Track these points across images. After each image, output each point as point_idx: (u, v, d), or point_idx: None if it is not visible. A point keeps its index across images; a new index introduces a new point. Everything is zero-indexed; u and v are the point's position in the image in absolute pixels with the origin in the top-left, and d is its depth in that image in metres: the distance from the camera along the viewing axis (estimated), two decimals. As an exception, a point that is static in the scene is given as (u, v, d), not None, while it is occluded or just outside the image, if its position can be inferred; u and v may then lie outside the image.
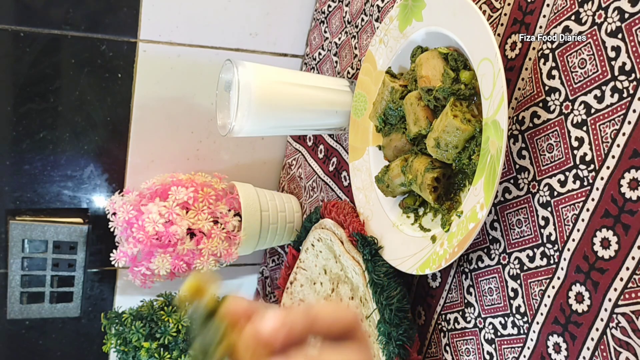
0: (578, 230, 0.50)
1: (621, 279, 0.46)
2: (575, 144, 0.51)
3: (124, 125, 0.95)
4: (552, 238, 0.53)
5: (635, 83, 0.46)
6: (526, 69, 0.56)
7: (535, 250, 0.55)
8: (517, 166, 0.57)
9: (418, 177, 0.63)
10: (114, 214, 0.87)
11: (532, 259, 0.55)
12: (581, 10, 0.51)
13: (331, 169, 0.90)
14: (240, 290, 1.14)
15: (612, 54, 0.48)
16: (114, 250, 0.86)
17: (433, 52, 0.63)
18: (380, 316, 0.66)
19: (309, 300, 0.83)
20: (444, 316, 0.67)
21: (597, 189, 0.49)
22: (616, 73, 0.48)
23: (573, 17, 0.51)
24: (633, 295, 0.46)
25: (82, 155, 0.93)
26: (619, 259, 0.47)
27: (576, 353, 0.50)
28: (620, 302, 0.47)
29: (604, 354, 0.48)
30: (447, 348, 0.66)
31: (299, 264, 0.84)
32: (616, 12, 0.48)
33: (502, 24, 0.59)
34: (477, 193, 0.55)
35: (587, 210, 0.50)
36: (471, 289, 0.62)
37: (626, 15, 0.47)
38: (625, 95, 0.47)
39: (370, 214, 0.73)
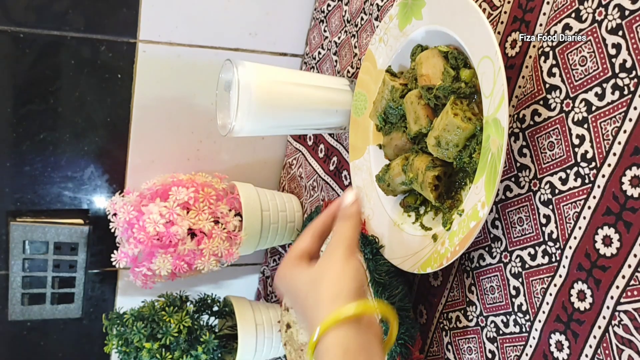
0: (580, 228, 0.50)
1: (623, 277, 0.46)
2: (576, 141, 0.51)
3: (124, 126, 0.95)
4: (554, 236, 0.53)
5: (636, 80, 0.46)
6: (526, 66, 0.56)
7: (536, 248, 0.55)
8: (518, 164, 0.56)
9: (419, 175, 0.63)
10: (115, 214, 0.87)
11: (533, 257, 0.55)
12: (581, 7, 0.51)
13: (332, 168, 0.90)
14: (241, 290, 1.14)
15: (612, 52, 0.48)
16: (114, 251, 0.86)
17: (433, 50, 0.63)
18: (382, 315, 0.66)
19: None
20: (445, 315, 0.67)
21: (599, 186, 0.49)
22: (617, 70, 0.47)
23: (573, 15, 0.51)
24: (635, 292, 0.46)
25: (82, 156, 0.93)
26: (621, 257, 0.47)
27: (578, 351, 0.50)
28: (622, 300, 0.47)
29: (607, 351, 0.48)
30: (449, 347, 0.66)
31: (300, 263, 0.83)
32: (616, 9, 0.47)
33: (502, 22, 0.59)
34: (478, 191, 0.55)
35: (589, 208, 0.50)
36: (473, 288, 0.62)
37: (626, 12, 0.47)
38: (626, 92, 0.47)
39: (371, 213, 0.73)
